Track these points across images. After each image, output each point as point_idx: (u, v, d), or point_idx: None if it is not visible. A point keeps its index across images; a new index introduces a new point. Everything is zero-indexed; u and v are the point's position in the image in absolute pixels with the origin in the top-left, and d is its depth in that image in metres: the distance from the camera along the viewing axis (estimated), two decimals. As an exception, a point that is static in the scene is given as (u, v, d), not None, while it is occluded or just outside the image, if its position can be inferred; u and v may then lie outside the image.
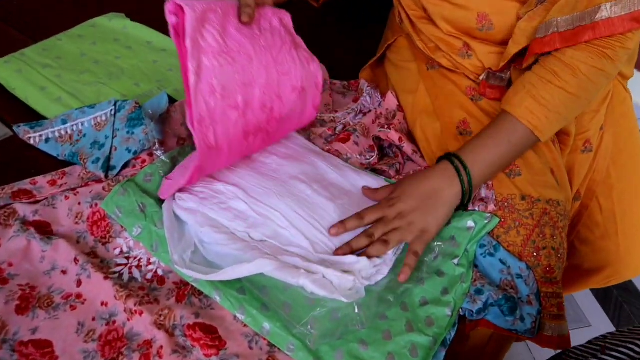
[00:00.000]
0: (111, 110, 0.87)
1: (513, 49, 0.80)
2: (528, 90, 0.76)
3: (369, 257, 0.71)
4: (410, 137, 0.93)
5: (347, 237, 0.74)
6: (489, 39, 0.85)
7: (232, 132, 0.72)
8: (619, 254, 0.98)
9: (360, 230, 0.75)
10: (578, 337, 1.40)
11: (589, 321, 1.41)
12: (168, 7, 0.65)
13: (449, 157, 0.78)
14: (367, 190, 0.81)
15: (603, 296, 1.47)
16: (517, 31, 0.79)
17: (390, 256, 0.74)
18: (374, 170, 0.88)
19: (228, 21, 0.70)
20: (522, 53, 0.81)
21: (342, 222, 0.74)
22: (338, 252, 0.71)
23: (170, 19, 0.66)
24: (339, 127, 0.96)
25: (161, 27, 1.14)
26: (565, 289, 1.11)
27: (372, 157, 0.90)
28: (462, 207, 0.79)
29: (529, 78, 0.77)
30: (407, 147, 0.88)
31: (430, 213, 0.74)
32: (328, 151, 0.89)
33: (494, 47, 0.85)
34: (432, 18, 0.90)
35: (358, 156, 0.89)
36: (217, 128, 0.69)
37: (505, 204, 0.78)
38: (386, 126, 0.91)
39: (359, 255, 0.71)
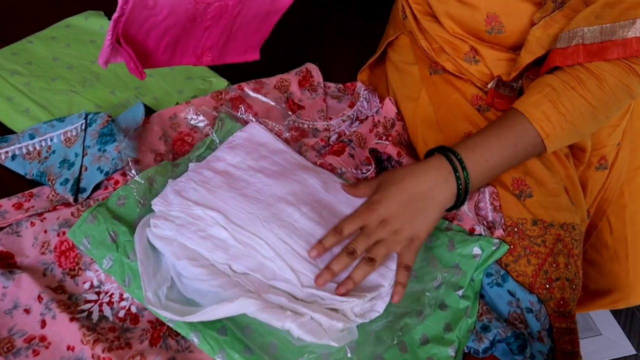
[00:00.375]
0: (81, 124, 0.79)
1: (526, 58, 0.72)
2: (547, 93, 0.67)
3: (355, 281, 0.63)
4: (410, 150, 0.86)
5: (341, 273, 0.67)
6: (499, 43, 0.77)
7: None
8: (628, 279, 0.92)
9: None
10: (589, 346, 1.34)
11: (599, 330, 1.35)
12: None
13: (444, 151, 0.68)
14: (347, 187, 0.73)
15: (614, 303, 1.41)
16: (531, 39, 0.71)
17: (387, 289, 0.67)
18: (370, 186, 0.81)
19: None
20: (536, 62, 0.72)
21: (320, 242, 0.65)
22: (319, 280, 0.63)
23: None
24: (333, 137, 0.89)
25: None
26: None
27: (369, 170, 0.83)
28: (454, 209, 0.70)
29: (550, 81, 0.68)
30: (407, 162, 0.80)
31: (418, 217, 0.65)
32: (321, 165, 0.82)
33: (504, 52, 0.77)
34: (437, 16, 0.81)
35: (353, 170, 0.82)
36: None
37: (515, 229, 0.70)
38: (384, 137, 0.84)
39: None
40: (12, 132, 0.84)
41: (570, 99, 0.66)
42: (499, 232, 0.71)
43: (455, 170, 0.66)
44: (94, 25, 1.04)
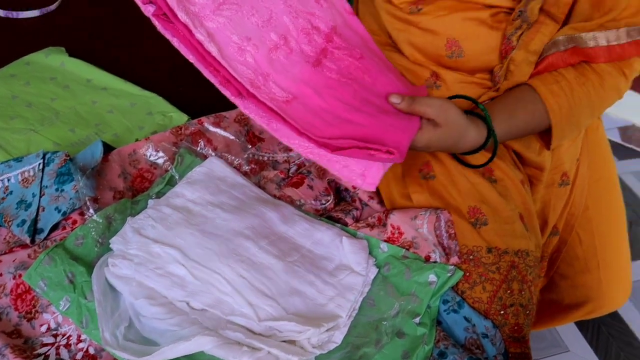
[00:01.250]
0: (39, 164, 0.79)
1: (520, 78, 0.76)
2: (563, 86, 0.73)
3: None
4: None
5: (299, 305, 0.67)
6: (459, 68, 0.80)
7: (295, 71, 0.63)
8: (600, 288, 0.94)
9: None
10: (558, 363, 1.36)
11: (567, 346, 1.37)
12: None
13: (489, 130, 0.72)
14: (403, 100, 0.67)
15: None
16: (518, 61, 0.75)
17: (345, 320, 0.68)
18: (329, 217, 0.82)
19: None
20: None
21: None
22: None
23: (147, 10, 0.58)
24: (293, 169, 0.90)
25: (104, 60, 1.06)
26: (545, 324, 1.06)
27: (328, 201, 0.84)
28: None
29: (565, 73, 0.74)
30: (363, 194, 0.82)
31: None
32: (280, 197, 0.83)
33: (465, 75, 0.80)
34: (398, 45, 0.84)
35: (313, 201, 0.83)
36: (276, 78, 0.61)
37: (470, 256, 0.72)
38: (342, 168, 0.85)
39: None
40: (-31, 173, 0.84)
41: (580, 94, 0.73)
42: (454, 259, 0.72)
43: (483, 146, 0.72)
44: (55, 62, 1.04)
